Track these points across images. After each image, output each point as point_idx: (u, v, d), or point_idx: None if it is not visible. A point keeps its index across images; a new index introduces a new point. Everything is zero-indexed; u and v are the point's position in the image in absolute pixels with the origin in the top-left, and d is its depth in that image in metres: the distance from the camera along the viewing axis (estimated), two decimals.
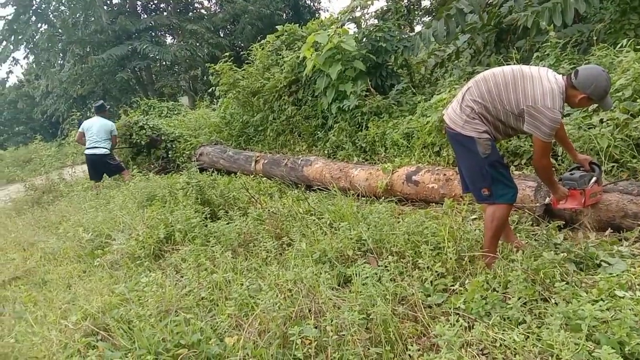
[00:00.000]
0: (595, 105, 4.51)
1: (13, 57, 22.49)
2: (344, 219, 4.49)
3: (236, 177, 7.55)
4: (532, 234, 3.88)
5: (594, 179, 3.50)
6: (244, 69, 8.70)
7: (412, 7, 18.39)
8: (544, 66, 5.15)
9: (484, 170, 3.25)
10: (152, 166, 9.36)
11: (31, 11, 21.96)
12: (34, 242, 5.98)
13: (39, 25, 22.47)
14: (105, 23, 21.68)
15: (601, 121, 4.38)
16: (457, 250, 3.42)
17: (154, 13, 25.97)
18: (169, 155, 9.35)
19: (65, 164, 14.29)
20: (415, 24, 17.64)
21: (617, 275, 2.95)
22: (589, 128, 4.34)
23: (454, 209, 4.08)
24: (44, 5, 23.08)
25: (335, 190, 5.93)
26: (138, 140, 9.33)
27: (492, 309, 2.81)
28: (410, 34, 8.07)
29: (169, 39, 26.70)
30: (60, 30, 22.44)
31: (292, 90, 8.09)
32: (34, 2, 22.03)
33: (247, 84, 8.37)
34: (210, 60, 13.80)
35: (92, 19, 22.32)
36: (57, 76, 23.08)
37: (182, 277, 4.24)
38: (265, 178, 7.30)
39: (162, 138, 9.48)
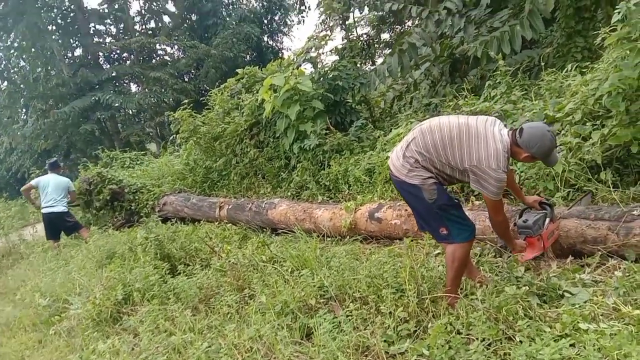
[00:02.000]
0: None
1: None
2: (307, 264, 4.36)
3: (200, 226, 7.39)
4: (495, 266, 3.82)
5: (548, 219, 3.46)
6: (204, 115, 8.62)
7: (371, 41, 18.80)
8: (494, 106, 5.23)
9: (435, 213, 3.19)
10: (116, 220, 9.10)
11: None
12: None
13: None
14: (67, 76, 21.48)
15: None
16: (418, 292, 3.32)
17: (117, 63, 25.92)
18: (132, 207, 9.12)
19: (28, 222, 13.89)
20: (377, 57, 18.04)
21: (580, 306, 2.88)
22: None
23: (414, 248, 4.00)
24: (4, 62, 22.87)
25: (300, 233, 5.82)
26: (100, 195, 9.09)
27: (456, 354, 2.70)
28: (367, 70, 8.13)
29: (133, 88, 26.67)
30: (21, 86, 22.15)
31: (253, 132, 8.03)
32: None
33: (208, 129, 8.29)
34: (176, 105, 13.64)
35: (53, 72, 22.12)
36: (20, 132, 22.68)
37: (140, 341, 4.05)
38: (230, 224, 7.13)
39: (125, 190, 9.26)
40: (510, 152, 3.03)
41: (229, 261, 4.75)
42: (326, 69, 7.55)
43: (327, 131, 7.00)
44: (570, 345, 2.52)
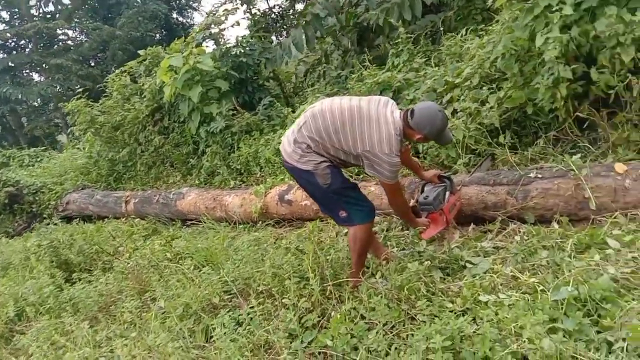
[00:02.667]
0: (448, 97, 4.53)
1: None
2: (213, 259, 4.11)
3: (106, 223, 6.91)
4: (402, 240, 3.74)
5: (448, 192, 3.39)
6: (101, 103, 8.00)
7: (284, 13, 18.27)
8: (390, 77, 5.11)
9: (331, 197, 3.04)
10: (17, 224, 8.38)
11: None
12: None
13: None
14: None
15: (454, 112, 4.35)
16: (324, 278, 3.16)
17: (14, 52, 23.86)
18: (34, 209, 8.42)
19: None
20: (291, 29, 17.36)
21: (480, 276, 2.83)
22: None
23: (324, 229, 3.83)
24: None
25: (211, 223, 5.55)
26: None
27: (359, 342, 2.57)
28: (273, 45, 7.82)
29: (36, 77, 24.71)
30: None
31: (156, 118, 7.57)
32: None
33: (107, 118, 7.71)
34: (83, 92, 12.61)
35: None
36: None
37: None
38: (138, 219, 6.71)
39: (24, 191, 8.52)
40: (403, 134, 2.91)
41: (131, 263, 4.40)
42: (228, 45, 7.15)
43: (234, 112, 6.67)
44: (472, 320, 2.46)
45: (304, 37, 7.15)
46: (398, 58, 5.77)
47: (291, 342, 2.77)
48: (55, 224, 6.95)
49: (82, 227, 6.82)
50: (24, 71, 23.67)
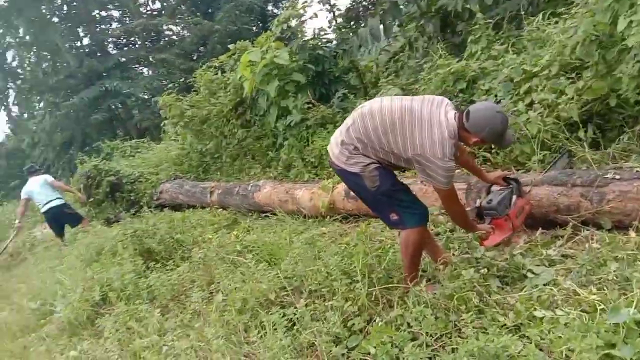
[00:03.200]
0: (526, 88, 4.22)
1: None
2: (275, 253, 4.18)
3: (192, 213, 7.26)
4: (467, 243, 3.54)
5: (514, 196, 3.15)
6: (188, 98, 8.39)
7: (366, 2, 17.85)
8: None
9: (381, 200, 2.94)
10: (118, 211, 9.07)
11: None
12: None
13: (8, 81, 22.44)
14: (74, 67, 21.51)
15: (530, 104, 4.03)
16: (376, 281, 3.09)
17: (126, 48, 25.78)
18: (132, 198, 9.07)
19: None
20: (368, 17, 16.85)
21: (540, 288, 2.61)
22: (518, 114, 3.98)
23: (367, 232, 3.73)
24: (16, 59, 23.07)
25: (282, 216, 5.64)
26: (99, 188, 9.06)
27: (400, 352, 2.48)
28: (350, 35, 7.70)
29: (145, 72, 26.53)
30: (32, 81, 22.33)
31: (239, 112, 7.79)
32: None
33: (194, 112, 8.08)
34: (186, 88, 13.12)
35: (60, 65, 22.18)
36: (39, 126, 22.98)
37: (111, 344, 3.98)
38: (221, 209, 6.99)
39: (123, 181, 9.20)
40: (458, 137, 2.74)
41: (202, 254, 4.59)
42: (305, 38, 7.15)
43: (310, 105, 6.69)
44: (520, 337, 2.28)
45: (381, 26, 6.99)
46: (476, 45, 5.45)
47: (335, 346, 2.74)
48: (149, 212, 7.43)
49: (171, 215, 7.20)
50: (132, 66, 25.50)
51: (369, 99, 6.19)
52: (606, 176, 3.04)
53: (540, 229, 3.32)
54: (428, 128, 2.69)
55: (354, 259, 3.18)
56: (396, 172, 3.10)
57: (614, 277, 2.44)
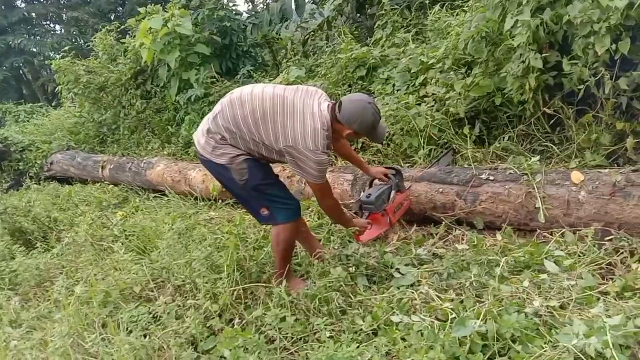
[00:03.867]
0: (421, 79, 4.15)
1: None
2: (150, 240, 3.91)
3: (81, 188, 6.76)
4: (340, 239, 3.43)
5: (393, 191, 3.07)
6: (85, 63, 7.74)
7: None
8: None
9: (250, 194, 2.74)
10: (4, 181, 8.32)
11: None
12: None
13: None
14: None
15: (422, 97, 3.97)
16: (236, 280, 2.91)
17: (35, 2, 23.67)
18: (21, 167, 8.33)
19: None
20: None
21: (401, 291, 2.54)
22: (409, 107, 3.90)
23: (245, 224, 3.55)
24: None
25: (173, 197, 5.33)
26: None
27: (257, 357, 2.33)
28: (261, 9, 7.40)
29: (57, 30, 24.54)
30: None
31: (138, 82, 7.29)
32: None
33: (90, 79, 7.46)
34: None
35: None
36: None
37: None
38: (112, 185, 6.53)
39: (11, 149, 8.42)
40: (331, 129, 2.58)
41: (72, 238, 4.22)
42: (210, 7, 6.73)
43: (214, 79, 6.35)
44: (372, 343, 2.20)
45: (293, 1, 6.74)
46: (382, 31, 5.34)
47: (189, 349, 2.55)
48: (34, 184, 6.85)
49: (58, 190, 6.66)
50: (42, 22, 23.49)
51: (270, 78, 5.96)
52: (481, 176, 3.02)
53: (415, 225, 3.27)
54: (300, 119, 2.52)
55: (224, 253, 2.98)
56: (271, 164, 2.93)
57: (473, 283, 2.41)
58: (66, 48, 7.90)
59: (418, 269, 2.73)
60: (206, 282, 2.84)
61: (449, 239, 3.03)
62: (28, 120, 10.41)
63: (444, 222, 3.10)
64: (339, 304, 2.52)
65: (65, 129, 8.66)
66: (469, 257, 2.64)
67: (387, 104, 4.01)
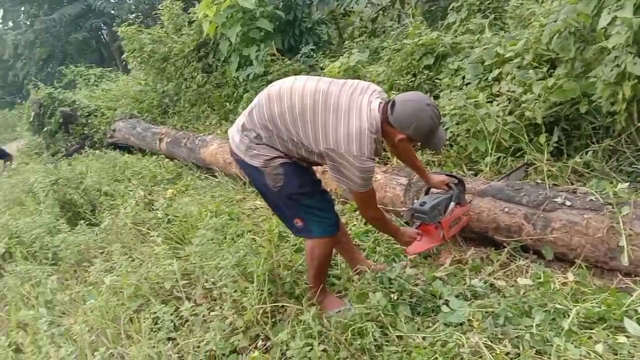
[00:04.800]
0: (495, 74, 3.70)
1: None
2: (191, 230, 3.75)
3: (138, 160, 6.75)
4: (395, 248, 3.12)
5: (453, 203, 2.70)
6: (150, 32, 7.67)
7: None
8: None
9: (284, 202, 2.47)
10: (70, 145, 8.53)
11: None
12: None
13: None
14: None
15: (495, 96, 3.52)
16: (268, 290, 2.67)
17: None
18: (86, 132, 8.50)
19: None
20: None
21: (447, 333, 2.20)
22: (479, 106, 3.45)
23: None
24: None
25: (224, 179, 5.18)
26: (52, 119, 8.47)
27: None
28: None
29: None
30: None
31: (200, 54, 7.14)
32: None
33: (154, 48, 7.39)
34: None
35: None
36: (23, 37, 21.85)
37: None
38: (168, 159, 6.49)
39: (78, 113, 8.61)
40: (382, 132, 2.24)
41: (112, 221, 4.14)
42: None
43: (274, 57, 6.07)
44: None
45: None
46: (457, 14, 4.84)
47: None
48: (91, 152, 6.93)
49: (115, 160, 6.69)
50: None
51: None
52: (555, 200, 2.58)
53: (473, 247, 2.89)
54: (345, 118, 2.19)
55: (255, 262, 2.75)
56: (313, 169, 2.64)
57: (534, 336, 2.03)
58: (132, 16, 7.86)
59: (470, 303, 2.38)
60: (234, 291, 2.62)
61: (511, 269, 2.63)
62: (97, 85, 10.62)
63: (505, 250, 2.70)
64: (374, 337, 2.22)
65: (130, 97, 8.73)
66: (533, 300, 2.25)
67: (453, 98, 3.59)
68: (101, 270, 3.47)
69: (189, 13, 7.51)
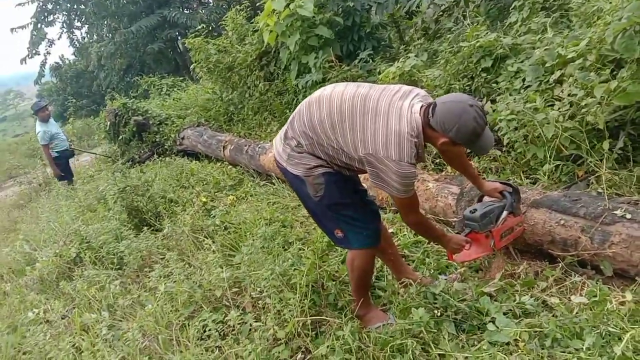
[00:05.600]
0: (557, 76, 3.52)
1: (48, 39, 22.92)
2: (244, 239, 3.84)
3: (203, 166, 7.00)
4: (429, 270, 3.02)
5: (505, 212, 2.58)
6: (215, 43, 7.92)
7: None
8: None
9: (325, 213, 2.46)
10: (142, 152, 8.99)
11: None
12: None
13: (69, 4, 22.71)
14: None
15: (555, 99, 3.33)
16: (312, 300, 2.68)
17: None
18: (158, 140, 8.92)
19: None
20: None
21: (491, 354, 2.10)
22: (537, 111, 3.28)
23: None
24: None
25: (280, 186, 5.26)
26: (126, 127, 8.97)
27: None
28: None
29: (211, 2, 25.98)
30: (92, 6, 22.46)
31: (262, 63, 7.29)
32: None
33: (218, 58, 7.63)
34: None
35: None
36: (105, 49, 23.34)
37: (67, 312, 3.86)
38: (231, 166, 6.68)
39: (150, 122, 9.05)
40: (423, 136, 2.18)
41: (171, 228, 4.31)
42: None
43: (332, 63, 6.09)
44: None
45: None
46: (519, 13, 4.63)
47: None
48: (159, 160, 7.25)
49: (182, 167, 6.96)
50: None
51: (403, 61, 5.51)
52: (615, 212, 2.41)
53: (525, 261, 2.75)
54: (383, 122, 2.15)
55: (298, 273, 2.76)
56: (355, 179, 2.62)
57: (582, 359, 1.90)
58: (199, 27, 8.17)
59: (519, 322, 2.27)
60: (277, 302, 2.65)
61: (566, 285, 2.47)
62: (168, 94, 11.11)
63: (559, 265, 2.55)
64: (414, 355, 2.17)
65: (199, 105, 9.05)
66: (585, 320, 2.10)
67: (510, 102, 3.43)
68: (159, 276, 3.63)
69: (252, 22, 7.68)
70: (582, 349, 1.96)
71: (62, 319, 3.68)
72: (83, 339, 3.12)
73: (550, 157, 3.12)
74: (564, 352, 1.99)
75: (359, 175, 2.65)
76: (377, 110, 2.17)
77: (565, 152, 3.12)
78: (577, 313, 2.19)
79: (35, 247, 5.39)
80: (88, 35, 26.34)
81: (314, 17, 6.10)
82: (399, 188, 2.18)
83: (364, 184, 2.78)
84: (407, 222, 2.49)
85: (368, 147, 2.16)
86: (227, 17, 8.16)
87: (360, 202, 2.52)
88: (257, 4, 8.03)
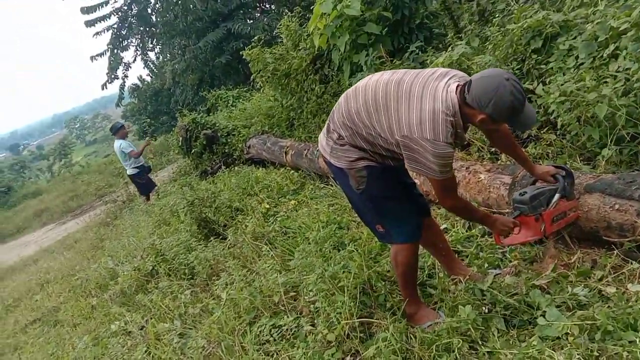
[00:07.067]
0: (610, 50, 3.33)
1: (124, 63, 24.43)
2: (300, 244, 3.93)
3: (268, 173, 7.19)
4: (500, 253, 2.95)
5: (557, 195, 2.48)
6: (272, 51, 8.12)
7: None
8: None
9: (367, 206, 2.49)
10: (214, 163, 9.38)
11: (133, 18, 23.66)
12: (71, 274, 6.35)
13: (141, 27, 24.07)
14: (201, 10, 22.25)
15: (610, 76, 3.14)
16: (367, 299, 2.72)
17: None
18: (227, 151, 9.28)
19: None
20: None
21: (539, 349, 2.04)
22: (587, 90, 3.11)
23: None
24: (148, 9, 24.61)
25: (339, 187, 5.30)
26: (197, 141, 9.41)
27: None
28: None
29: (272, 10, 26.57)
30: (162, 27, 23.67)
31: (317, 66, 7.38)
32: (133, 7, 23.63)
33: (275, 66, 7.82)
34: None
35: (188, 9, 23.08)
36: (179, 66, 24.55)
37: (146, 322, 4.13)
38: (293, 171, 6.83)
39: (219, 134, 9.43)
40: (460, 115, 2.16)
41: (234, 237, 4.49)
42: None
43: (383, 60, 6.06)
44: None
45: None
46: None
47: None
48: (225, 171, 7.53)
49: (249, 174, 7.19)
50: (256, 6, 25.59)
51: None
52: None
53: (580, 250, 2.62)
54: (417, 102, 2.16)
55: (345, 275, 2.81)
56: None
57: (635, 352, 1.80)
58: (255, 38, 8.41)
59: (571, 314, 2.18)
60: (327, 305, 2.71)
61: (624, 273, 2.34)
62: (234, 106, 11.49)
63: (614, 252, 2.42)
64: (460, 354, 2.15)
65: (262, 114, 9.30)
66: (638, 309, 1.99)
67: (561, 83, 3.27)
68: (225, 284, 3.82)
69: (304, 27, 7.80)
70: (636, 341, 1.85)
71: (140, 329, 3.97)
72: (156, 348, 3.34)
73: (610, 140, 2.94)
74: (615, 345, 1.89)
75: None
76: (411, 93, 2.18)
77: (622, 132, 2.93)
78: (633, 302, 2.07)
79: (118, 262, 5.80)
80: (161, 56, 27.84)
81: (362, 15, 6.10)
82: (435, 169, 2.17)
83: (415, 179, 2.76)
84: (445, 206, 2.47)
85: (403, 129, 2.17)
86: (281, 24, 8.32)
87: (404, 196, 2.53)
88: (311, 8, 8.14)
